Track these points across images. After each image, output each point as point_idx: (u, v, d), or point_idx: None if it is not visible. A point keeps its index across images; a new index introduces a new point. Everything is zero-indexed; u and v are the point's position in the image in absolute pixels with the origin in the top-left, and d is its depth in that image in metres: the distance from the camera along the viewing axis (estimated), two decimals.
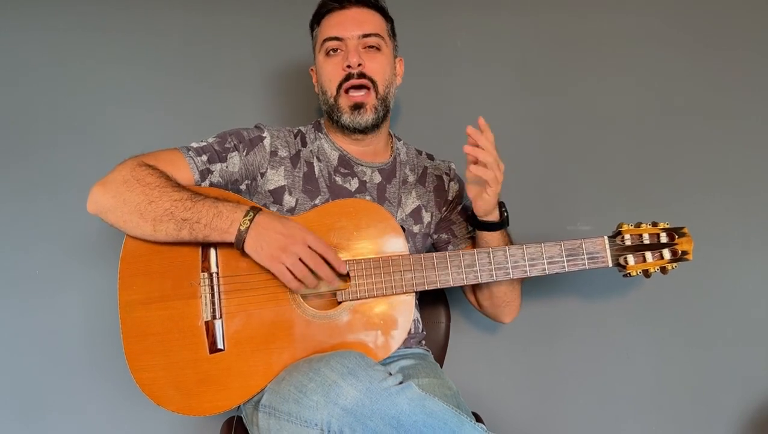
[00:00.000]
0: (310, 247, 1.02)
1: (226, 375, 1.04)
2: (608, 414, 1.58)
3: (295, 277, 1.02)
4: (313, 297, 1.11)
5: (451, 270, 1.12)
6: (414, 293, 1.12)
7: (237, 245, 1.03)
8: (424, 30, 1.65)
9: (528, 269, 1.12)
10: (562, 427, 1.58)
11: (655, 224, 1.15)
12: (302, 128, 1.30)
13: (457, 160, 1.32)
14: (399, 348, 1.11)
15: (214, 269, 1.08)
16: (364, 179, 1.26)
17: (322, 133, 1.29)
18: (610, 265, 1.14)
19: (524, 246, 1.13)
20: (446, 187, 1.34)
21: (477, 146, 1.08)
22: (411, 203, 1.29)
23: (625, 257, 1.13)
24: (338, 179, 1.24)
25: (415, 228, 1.28)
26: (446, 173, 1.35)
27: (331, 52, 1.23)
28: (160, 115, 1.58)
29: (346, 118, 1.21)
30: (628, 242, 1.14)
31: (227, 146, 1.18)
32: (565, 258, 1.13)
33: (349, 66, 1.20)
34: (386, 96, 1.24)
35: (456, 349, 1.47)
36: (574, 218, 1.61)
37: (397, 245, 1.12)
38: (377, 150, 1.31)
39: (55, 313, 1.50)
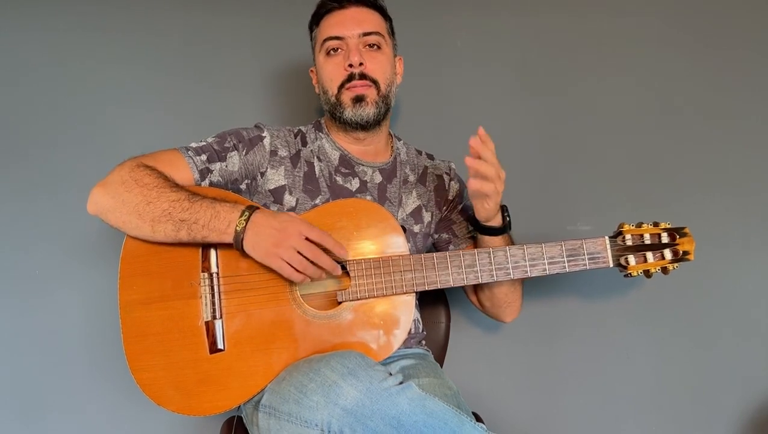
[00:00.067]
0: (307, 238, 1.01)
1: (226, 375, 1.04)
2: (608, 414, 1.58)
3: (297, 270, 1.01)
4: (313, 297, 1.11)
5: (451, 270, 1.12)
6: (414, 294, 1.12)
7: (236, 246, 1.03)
8: (424, 30, 1.65)
9: (529, 269, 1.12)
10: (562, 427, 1.58)
11: (656, 225, 1.15)
12: (302, 128, 1.30)
13: (457, 160, 1.32)
14: (399, 348, 1.11)
15: (214, 269, 1.08)
16: (365, 178, 1.26)
17: (322, 133, 1.29)
18: (611, 265, 1.14)
19: (525, 246, 1.13)
20: (447, 186, 1.34)
21: (479, 157, 1.07)
22: (411, 202, 1.29)
23: (626, 258, 1.13)
24: (339, 179, 1.24)
25: (416, 228, 1.28)
26: (446, 173, 1.35)
27: (332, 52, 1.23)
28: (160, 115, 1.58)
29: (349, 112, 1.21)
30: (629, 243, 1.14)
31: (227, 145, 1.17)
32: (565, 258, 1.12)
33: (350, 65, 1.20)
34: (387, 94, 1.25)
35: (456, 349, 1.47)
36: (574, 218, 1.61)
37: (397, 245, 1.12)
38: (378, 150, 1.31)
39: (55, 313, 1.50)
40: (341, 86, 1.21)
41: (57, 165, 1.54)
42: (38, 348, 1.49)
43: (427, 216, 1.30)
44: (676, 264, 1.14)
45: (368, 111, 1.21)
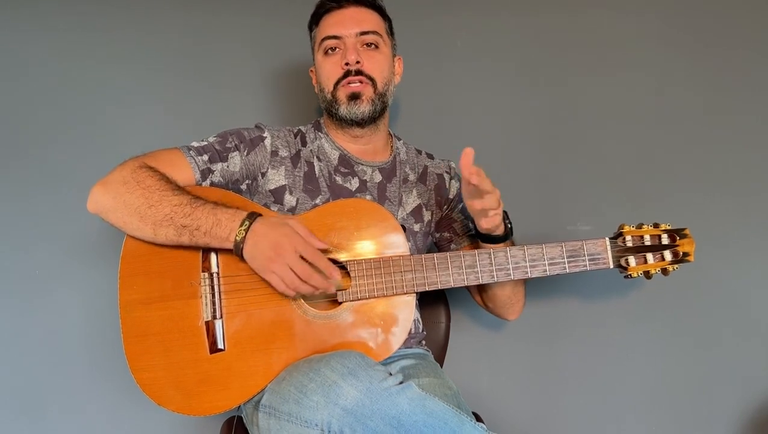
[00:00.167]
0: (301, 256, 1.01)
1: (227, 375, 1.04)
2: (608, 414, 1.58)
3: (289, 287, 1.01)
4: (313, 297, 1.11)
5: (451, 271, 1.12)
6: (414, 294, 1.12)
7: (236, 254, 1.03)
8: (424, 30, 1.65)
9: (529, 270, 1.12)
10: (562, 427, 1.58)
11: (656, 226, 1.15)
12: (302, 128, 1.30)
13: (456, 159, 1.30)
14: (399, 348, 1.11)
15: (214, 269, 1.08)
16: (365, 178, 1.26)
17: (322, 132, 1.29)
18: (612, 266, 1.14)
19: (525, 247, 1.13)
20: (447, 185, 1.34)
21: (473, 173, 1.05)
22: (412, 202, 1.30)
23: (627, 259, 1.13)
24: (338, 179, 1.24)
25: (416, 227, 1.28)
26: (446, 172, 1.36)
27: (330, 51, 1.23)
28: (160, 115, 1.58)
29: (344, 109, 1.21)
30: (629, 244, 1.14)
31: (228, 145, 1.17)
32: (566, 259, 1.12)
33: (347, 63, 1.20)
34: (384, 93, 1.24)
35: (456, 349, 1.47)
36: (574, 218, 1.61)
37: (397, 244, 1.12)
38: (377, 149, 1.31)
39: (55, 313, 1.50)
40: (337, 83, 1.22)
41: (57, 165, 1.54)
42: (38, 348, 1.49)
43: (427, 215, 1.31)
44: (676, 265, 1.14)
45: (363, 108, 1.21)
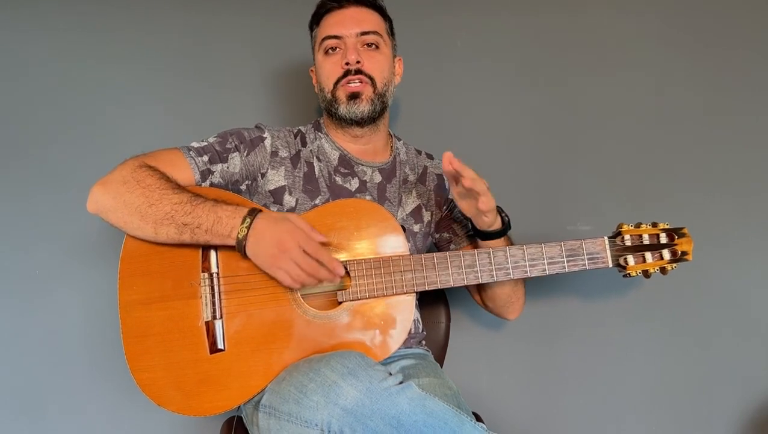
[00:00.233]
0: (305, 250, 1.02)
1: (227, 375, 1.04)
2: (608, 414, 1.58)
3: (296, 281, 1.02)
4: (313, 297, 1.11)
5: (451, 270, 1.12)
6: (414, 294, 1.12)
7: (239, 251, 1.03)
8: (424, 30, 1.65)
9: (528, 269, 1.12)
10: (562, 427, 1.58)
11: (654, 225, 1.15)
12: (302, 128, 1.30)
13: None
14: (399, 348, 1.11)
15: (214, 269, 1.08)
16: (365, 178, 1.26)
17: (322, 132, 1.29)
18: (610, 265, 1.14)
19: (524, 247, 1.13)
20: (446, 186, 1.34)
21: (459, 176, 1.07)
22: (411, 202, 1.30)
23: (625, 258, 1.13)
24: (338, 179, 1.24)
25: (416, 227, 1.28)
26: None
27: (330, 51, 1.23)
28: (160, 115, 1.58)
29: (343, 108, 1.22)
30: (628, 243, 1.14)
31: (228, 146, 1.17)
32: (565, 259, 1.13)
33: (347, 63, 1.20)
34: (384, 93, 1.25)
35: (456, 349, 1.47)
36: (574, 218, 1.61)
37: (397, 245, 1.12)
38: (377, 149, 1.31)
39: (55, 313, 1.50)
40: (337, 82, 1.22)
41: (57, 165, 1.54)
42: (38, 348, 1.49)
43: (426, 215, 1.31)
44: (674, 264, 1.14)
45: (362, 108, 1.21)
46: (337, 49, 1.23)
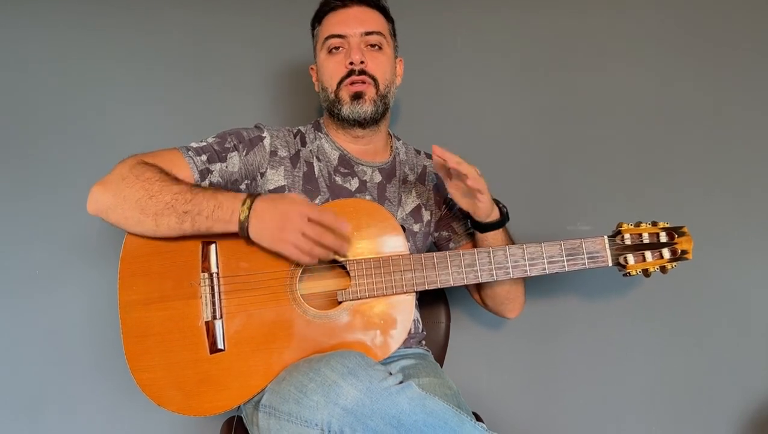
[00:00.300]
0: (309, 219, 1.01)
1: (227, 375, 1.04)
2: (608, 414, 1.58)
3: (305, 252, 1.01)
4: (313, 297, 1.11)
5: (451, 270, 1.12)
6: (414, 293, 1.12)
7: (242, 235, 1.03)
8: (424, 28, 1.65)
9: (528, 268, 1.12)
10: (562, 427, 1.58)
11: (654, 224, 1.15)
12: (301, 128, 1.30)
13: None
14: (399, 348, 1.11)
15: (214, 269, 1.08)
16: (365, 178, 1.26)
17: (322, 132, 1.29)
18: (610, 264, 1.14)
19: (524, 246, 1.13)
20: (448, 193, 1.34)
21: (445, 164, 1.09)
22: (411, 202, 1.30)
23: (625, 257, 1.13)
24: (338, 179, 1.24)
25: (416, 227, 1.28)
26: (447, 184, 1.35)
27: (334, 50, 1.23)
28: (160, 114, 1.58)
29: (346, 109, 1.22)
30: (627, 242, 1.14)
31: (227, 145, 1.18)
32: (565, 258, 1.13)
33: (351, 63, 1.20)
34: (386, 94, 1.25)
35: (456, 349, 1.47)
36: (574, 218, 1.61)
37: (397, 244, 1.12)
38: (377, 149, 1.31)
39: (56, 313, 1.50)
40: (340, 82, 1.22)
41: (57, 164, 1.54)
42: (38, 348, 1.49)
43: (426, 215, 1.31)
44: (674, 263, 1.14)
45: (366, 108, 1.21)
46: (340, 48, 1.23)
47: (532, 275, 1.13)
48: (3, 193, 1.52)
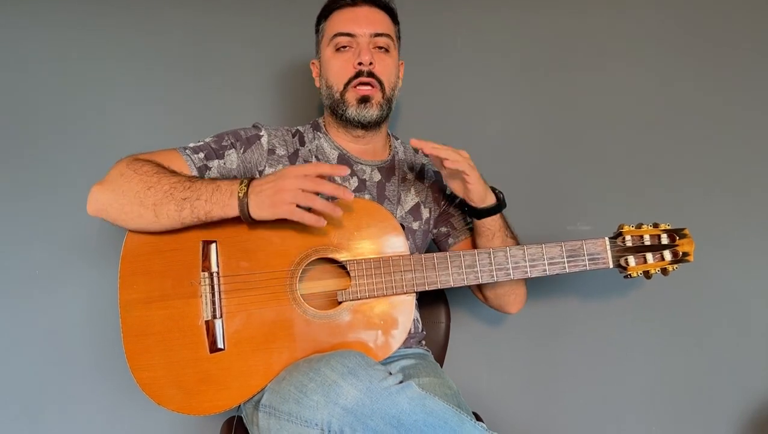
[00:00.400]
0: (305, 175, 1.00)
1: (227, 375, 1.04)
2: (608, 414, 1.58)
3: (307, 209, 1.00)
4: (313, 297, 1.11)
5: (451, 271, 1.12)
6: (414, 294, 1.12)
7: (243, 215, 1.01)
8: (424, 28, 1.65)
9: (529, 269, 1.12)
10: (562, 427, 1.58)
11: (656, 226, 1.15)
12: (300, 128, 1.30)
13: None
14: (399, 348, 1.11)
15: (214, 268, 1.08)
16: (364, 177, 1.27)
17: (321, 132, 1.30)
18: (611, 266, 1.14)
19: (525, 247, 1.13)
20: (444, 181, 1.35)
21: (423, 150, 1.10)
22: (410, 200, 1.30)
23: (626, 259, 1.13)
24: (337, 178, 1.24)
25: (415, 225, 1.28)
26: (443, 171, 1.36)
27: (341, 49, 1.23)
28: (160, 114, 1.58)
29: (352, 111, 1.21)
30: (629, 244, 1.14)
31: (224, 144, 1.18)
32: (566, 259, 1.13)
33: (360, 63, 1.20)
34: (391, 97, 1.25)
35: (456, 349, 1.47)
36: (574, 218, 1.61)
37: (397, 244, 1.12)
38: (376, 149, 1.31)
39: (56, 313, 1.50)
40: (347, 83, 1.21)
41: (57, 164, 1.54)
42: (38, 347, 1.49)
43: (425, 212, 1.31)
44: (675, 265, 1.14)
45: (372, 112, 1.22)
46: (348, 47, 1.22)
47: (533, 276, 1.13)
48: (3, 193, 1.52)
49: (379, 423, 0.87)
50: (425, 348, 1.30)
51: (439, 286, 1.12)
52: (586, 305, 1.60)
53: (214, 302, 1.07)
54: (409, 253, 1.13)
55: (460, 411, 0.91)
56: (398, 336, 1.10)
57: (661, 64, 1.66)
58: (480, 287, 1.33)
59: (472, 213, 1.20)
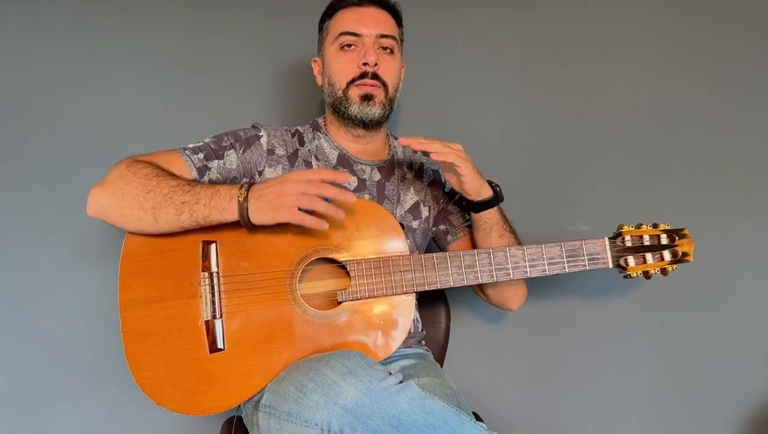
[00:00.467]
0: (307, 180, 1.00)
1: (226, 375, 1.05)
2: (608, 414, 1.58)
3: (309, 212, 0.99)
4: (313, 297, 1.11)
5: (451, 271, 1.12)
6: (414, 294, 1.12)
7: (242, 220, 1.01)
8: (424, 28, 1.65)
9: (528, 269, 1.12)
10: (562, 427, 1.58)
11: (655, 226, 1.15)
12: (299, 128, 1.30)
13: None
14: (399, 348, 1.11)
15: (214, 268, 1.08)
16: (364, 177, 1.27)
17: (320, 132, 1.30)
18: (611, 266, 1.14)
19: (524, 247, 1.13)
20: (442, 179, 1.35)
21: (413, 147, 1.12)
22: (410, 199, 1.30)
23: (626, 259, 1.13)
24: None
25: (414, 224, 1.29)
26: (441, 166, 1.36)
27: (346, 47, 1.23)
28: (161, 114, 1.58)
29: (355, 108, 1.21)
30: (628, 244, 1.14)
31: (224, 144, 1.18)
32: (565, 259, 1.13)
33: (365, 63, 1.20)
34: (393, 99, 1.25)
35: (456, 349, 1.47)
36: (574, 218, 1.61)
37: (397, 244, 1.13)
38: (376, 149, 1.31)
39: (55, 313, 1.50)
40: (351, 82, 1.21)
41: (57, 164, 1.54)
42: (38, 347, 1.49)
43: (425, 211, 1.31)
44: (675, 265, 1.14)
45: (375, 111, 1.22)
46: (353, 46, 1.22)
47: (533, 276, 1.13)
48: (3, 193, 1.52)
49: (379, 423, 0.87)
50: (425, 348, 1.30)
51: (439, 286, 1.12)
52: (586, 305, 1.60)
53: (213, 303, 1.07)
54: (408, 253, 1.13)
55: (460, 411, 0.91)
56: (398, 336, 1.10)
57: (661, 64, 1.65)
58: (481, 287, 1.33)
59: (469, 207, 1.20)
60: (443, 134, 1.59)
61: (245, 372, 1.05)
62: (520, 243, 1.22)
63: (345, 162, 1.27)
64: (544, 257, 1.12)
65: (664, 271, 1.14)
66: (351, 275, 1.10)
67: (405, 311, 1.11)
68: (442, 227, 1.34)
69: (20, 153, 1.53)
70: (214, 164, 1.15)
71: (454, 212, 1.33)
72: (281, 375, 1.01)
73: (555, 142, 1.64)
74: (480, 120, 1.65)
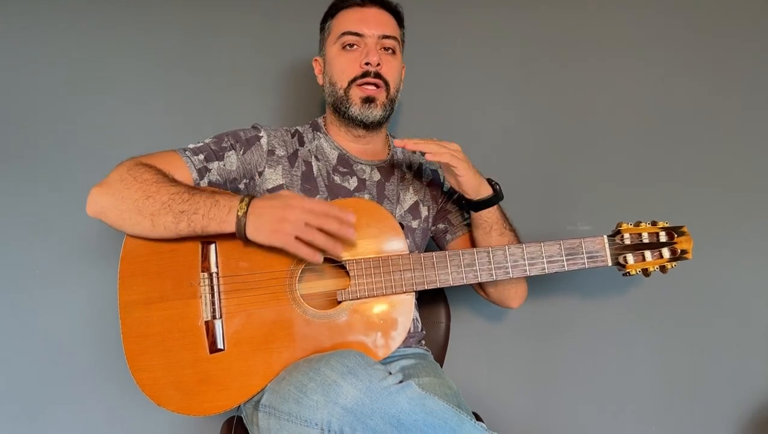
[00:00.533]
0: (311, 210, 0.99)
1: (226, 375, 1.04)
2: (608, 414, 1.58)
3: (308, 244, 0.99)
4: (313, 297, 1.11)
5: (450, 270, 1.12)
6: (414, 293, 1.12)
7: (238, 233, 1.01)
8: (424, 28, 1.65)
9: (527, 268, 1.12)
10: (562, 427, 1.58)
11: (654, 223, 1.15)
12: (299, 128, 1.30)
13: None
14: (399, 348, 1.11)
15: (214, 269, 1.08)
16: (363, 177, 1.27)
17: (320, 132, 1.30)
18: (610, 264, 1.14)
19: (524, 245, 1.13)
20: (441, 178, 1.36)
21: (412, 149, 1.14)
22: (409, 198, 1.30)
23: (625, 256, 1.13)
24: (337, 178, 1.24)
25: (414, 223, 1.29)
26: (441, 166, 1.36)
27: (348, 47, 1.23)
28: (161, 114, 1.58)
29: (356, 109, 1.22)
30: (627, 241, 1.14)
31: (224, 145, 1.18)
32: (564, 257, 1.13)
33: (368, 63, 1.20)
34: (394, 99, 1.26)
35: (456, 349, 1.47)
36: (574, 217, 1.61)
37: (397, 244, 1.13)
38: (376, 149, 1.32)
39: (55, 313, 1.50)
40: (352, 81, 1.21)
41: (57, 164, 1.54)
42: (38, 348, 1.49)
43: (424, 211, 1.31)
44: (674, 263, 1.14)
45: (376, 113, 1.22)
46: (355, 46, 1.22)
47: (532, 274, 1.13)
48: (3, 193, 1.52)
49: (379, 422, 0.87)
50: (425, 347, 1.30)
51: (439, 285, 1.12)
52: (586, 303, 1.60)
53: (213, 303, 1.07)
54: (408, 252, 1.13)
55: (460, 411, 0.91)
56: (398, 336, 1.10)
57: (661, 64, 1.65)
58: (482, 285, 1.33)
59: (469, 205, 1.21)
60: (443, 134, 1.60)
61: (245, 372, 1.05)
62: (520, 241, 1.22)
63: (345, 162, 1.27)
64: (543, 255, 1.13)
65: (663, 269, 1.14)
66: (350, 274, 1.10)
67: (405, 311, 1.11)
68: (441, 226, 1.34)
69: (20, 153, 1.53)
70: (215, 165, 1.15)
71: (452, 211, 1.34)
72: (281, 375, 1.01)
73: (555, 142, 1.64)
74: (480, 120, 1.65)
